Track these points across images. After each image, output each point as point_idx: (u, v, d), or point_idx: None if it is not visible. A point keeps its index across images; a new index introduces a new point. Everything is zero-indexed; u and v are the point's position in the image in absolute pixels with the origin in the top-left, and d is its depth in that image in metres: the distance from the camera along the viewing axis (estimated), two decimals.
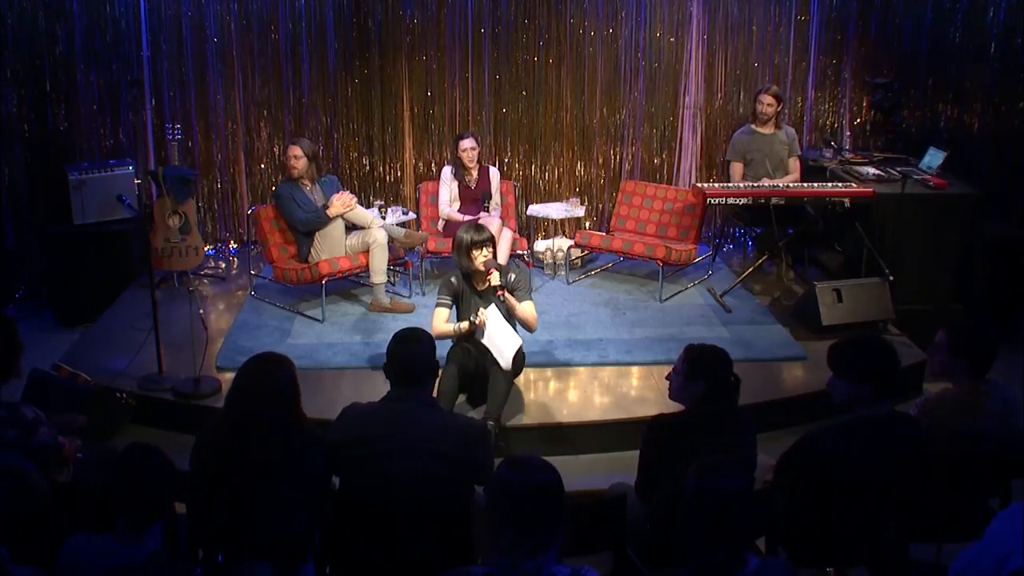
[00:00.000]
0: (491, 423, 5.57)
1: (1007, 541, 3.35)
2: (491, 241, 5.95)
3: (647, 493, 4.29)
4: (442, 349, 5.62)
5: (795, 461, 4.20)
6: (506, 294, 5.86)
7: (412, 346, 4.25)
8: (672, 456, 4.11)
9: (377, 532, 4.00)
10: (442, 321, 6.05)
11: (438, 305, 6.10)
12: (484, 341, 5.89)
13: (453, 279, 6.10)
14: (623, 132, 9.58)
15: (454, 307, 6.15)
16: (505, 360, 5.82)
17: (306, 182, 7.79)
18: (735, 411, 4.40)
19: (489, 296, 5.95)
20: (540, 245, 8.99)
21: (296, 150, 7.75)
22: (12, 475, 3.93)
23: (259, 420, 3.97)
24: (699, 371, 4.31)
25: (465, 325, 5.98)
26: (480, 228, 5.97)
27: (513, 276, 6.08)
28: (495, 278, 5.84)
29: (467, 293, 6.05)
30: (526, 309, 5.98)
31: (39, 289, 8.56)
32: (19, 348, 4.70)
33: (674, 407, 4.50)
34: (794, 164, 8.50)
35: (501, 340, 5.85)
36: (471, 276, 6.02)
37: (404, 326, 4.49)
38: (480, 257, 5.89)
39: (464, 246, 5.92)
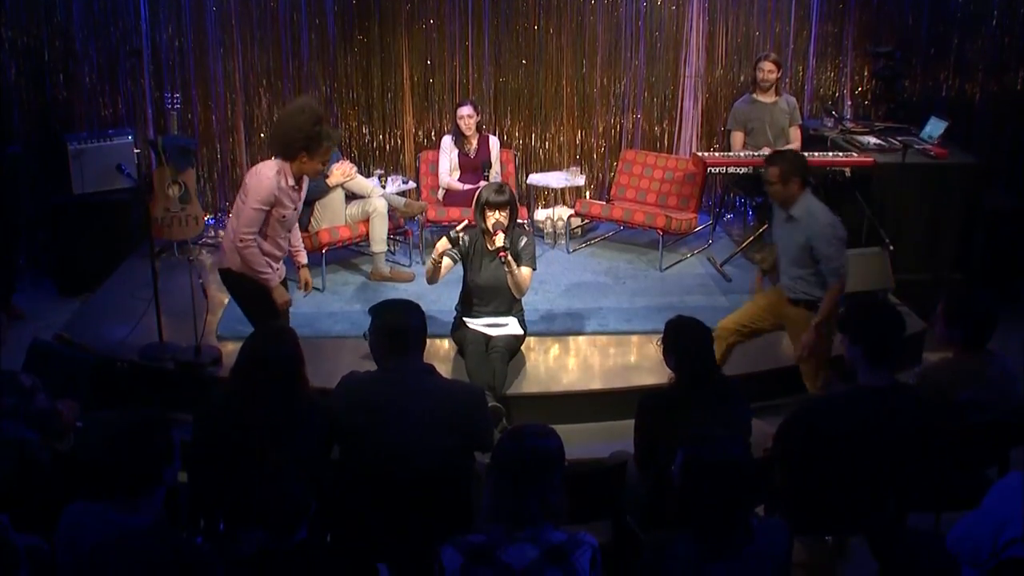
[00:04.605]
0: (494, 403, 5.55)
1: (1005, 509, 3.37)
2: (507, 205, 5.96)
3: (645, 465, 4.31)
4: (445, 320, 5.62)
5: (793, 430, 4.22)
6: (508, 256, 5.87)
7: (401, 316, 4.22)
8: (665, 428, 4.13)
9: (377, 500, 4.03)
10: (441, 245, 6.06)
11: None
12: (487, 332, 6.02)
13: (465, 237, 6.11)
14: (623, 101, 9.54)
15: (458, 261, 6.16)
16: (512, 331, 6.05)
17: None
18: (722, 381, 4.41)
19: (495, 254, 5.98)
20: (540, 214, 8.98)
21: None
22: (13, 445, 3.95)
23: (263, 392, 3.98)
24: (670, 344, 4.36)
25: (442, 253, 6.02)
26: (501, 190, 5.99)
27: (523, 242, 6.13)
28: (499, 239, 5.86)
29: (478, 251, 6.07)
30: (522, 274, 6.01)
31: (39, 259, 8.56)
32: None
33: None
34: (795, 133, 8.47)
35: (497, 329, 6.04)
36: (484, 233, 6.04)
37: (404, 295, 4.49)
38: (492, 218, 5.91)
39: (480, 203, 5.97)
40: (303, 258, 5.96)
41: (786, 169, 5.50)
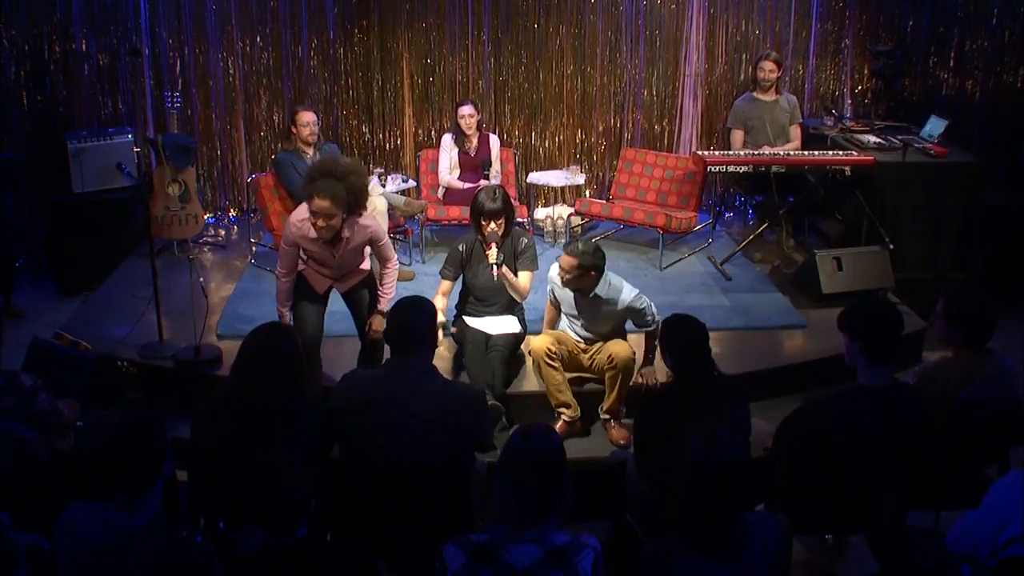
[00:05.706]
0: (493, 402, 5.56)
1: (1005, 508, 3.37)
2: (502, 214, 5.90)
3: (644, 463, 4.31)
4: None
5: (794, 429, 4.22)
6: (503, 270, 5.85)
7: (411, 315, 4.25)
8: (664, 426, 4.13)
9: (377, 498, 4.03)
10: (443, 294, 6.07)
11: (442, 278, 6.14)
12: (487, 331, 6.00)
13: (461, 246, 6.08)
14: (623, 99, 9.55)
15: (461, 275, 6.16)
16: (511, 328, 6.05)
17: (307, 150, 7.75)
18: (721, 379, 4.41)
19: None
20: (540, 213, 8.98)
21: (311, 116, 7.69)
22: (13, 444, 3.95)
23: (262, 390, 3.98)
24: (665, 345, 4.38)
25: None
26: (495, 197, 5.90)
27: (524, 243, 6.11)
28: (492, 255, 5.83)
29: (476, 255, 6.05)
30: (521, 280, 6.01)
31: (39, 258, 8.56)
32: None
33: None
34: (795, 132, 8.47)
35: (497, 327, 6.03)
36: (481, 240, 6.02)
37: (404, 294, 4.49)
38: (488, 227, 5.88)
39: (474, 212, 5.93)
40: (383, 304, 5.83)
41: (583, 264, 5.40)
